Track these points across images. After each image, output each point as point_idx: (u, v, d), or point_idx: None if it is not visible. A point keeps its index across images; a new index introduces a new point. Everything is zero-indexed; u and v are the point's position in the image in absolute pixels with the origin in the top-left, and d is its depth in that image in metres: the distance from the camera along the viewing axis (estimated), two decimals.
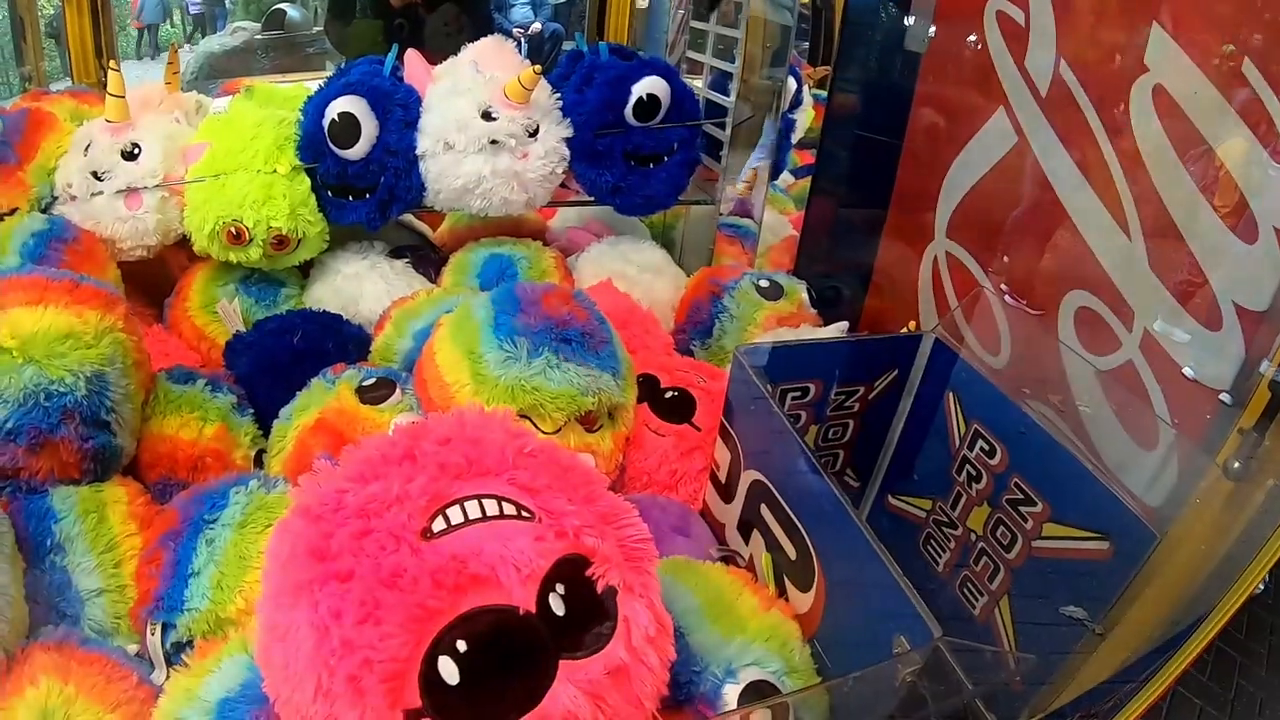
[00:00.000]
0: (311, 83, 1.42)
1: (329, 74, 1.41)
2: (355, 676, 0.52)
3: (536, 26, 3.12)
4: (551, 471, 0.63)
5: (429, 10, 2.42)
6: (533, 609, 0.57)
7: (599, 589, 0.60)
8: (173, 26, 5.67)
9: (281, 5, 3.22)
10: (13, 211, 1.30)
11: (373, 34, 2.45)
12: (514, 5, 3.00)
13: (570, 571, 0.59)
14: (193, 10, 5.26)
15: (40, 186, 1.33)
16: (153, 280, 1.45)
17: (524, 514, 0.60)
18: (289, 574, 0.57)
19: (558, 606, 0.58)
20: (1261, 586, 0.80)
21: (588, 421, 1.05)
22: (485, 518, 0.59)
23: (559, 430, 1.02)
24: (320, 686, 0.53)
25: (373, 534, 0.56)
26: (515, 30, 2.39)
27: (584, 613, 0.59)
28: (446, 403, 1.03)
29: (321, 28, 3.14)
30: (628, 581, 0.61)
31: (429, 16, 2.41)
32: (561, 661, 0.57)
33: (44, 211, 1.33)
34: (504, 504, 0.60)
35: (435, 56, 1.43)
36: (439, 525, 0.58)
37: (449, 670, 0.54)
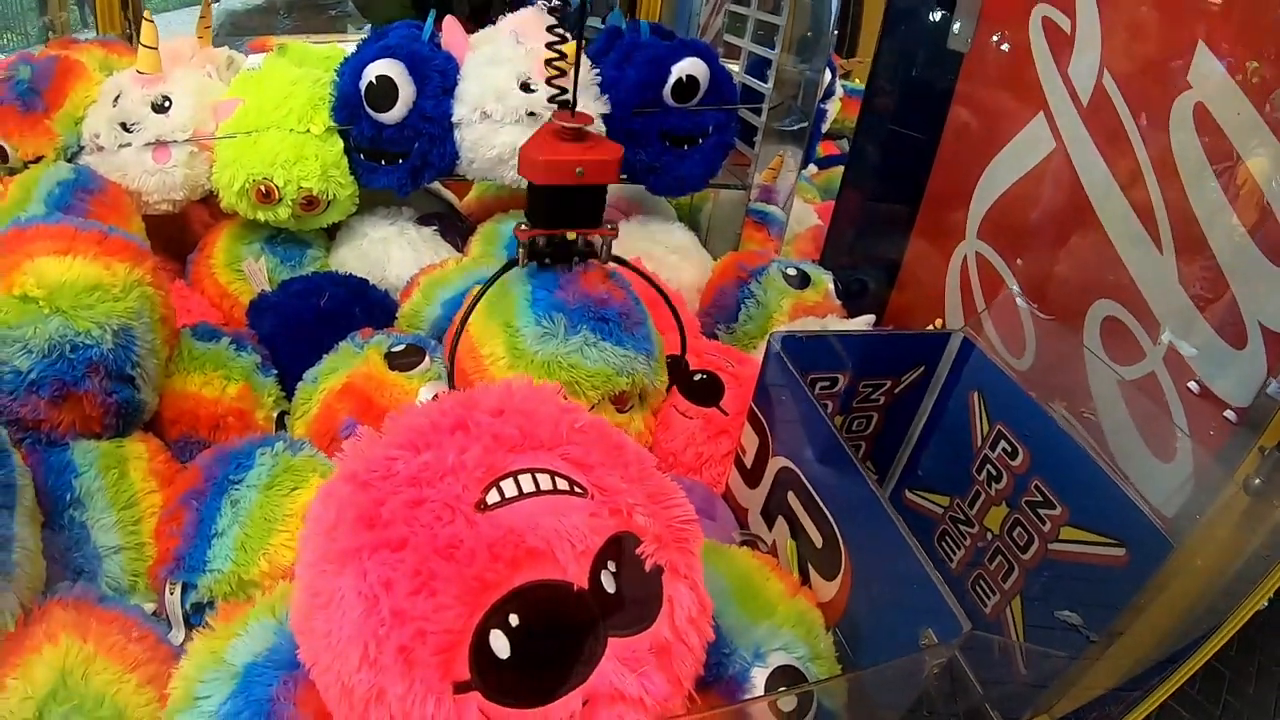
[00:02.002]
0: (343, 44, 1.42)
1: (352, 36, 1.40)
2: (407, 647, 0.52)
3: None
4: (603, 448, 0.63)
5: None
6: (585, 585, 0.57)
7: (647, 567, 0.60)
8: None
9: None
10: (38, 159, 1.30)
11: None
12: None
13: (621, 549, 0.59)
14: None
15: (67, 135, 1.32)
16: (174, 235, 1.45)
17: (576, 489, 0.60)
18: (335, 541, 0.56)
19: (609, 584, 0.58)
20: (1266, 603, 0.81)
21: (620, 401, 1.05)
22: (539, 491, 0.59)
23: (592, 409, 1.02)
24: (367, 656, 0.53)
25: (426, 503, 0.56)
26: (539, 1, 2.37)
27: (633, 591, 0.59)
28: (480, 374, 1.03)
29: None
30: (673, 562, 0.61)
31: None
32: (610, 638, 0.57)
33: (70, 161, 1.32)
34: (557, 479, 0.60)
35: (463, 24, 1.42)
36: (493, 497, 0.57)
37: (500, 644, 0.54)
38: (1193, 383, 0.95)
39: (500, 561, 0.54)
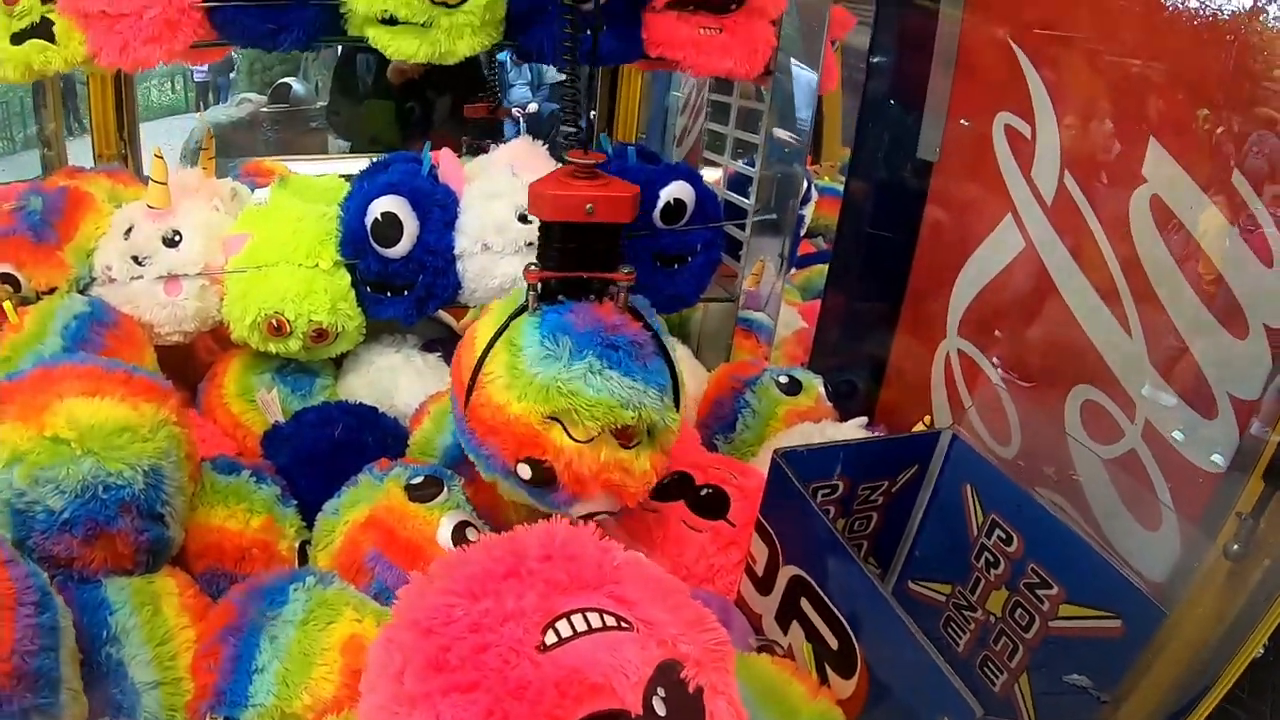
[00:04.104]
0: (333, 164, 1.43)
1: (338, 157, 1.43)
2: None
3: (533, 107, 3.19)
4: (642, 583, 0.68)
5: (438, 94, 2.47)
6: (640, 711, 0.61)
7: (690, 689, 0.65)
8: (174, 93, 5.71)
9: (286, 80, 3.27)
10: (51, 290, 1.31)
11: (385, 117, 2.48)
12: (513, 86, 3.09)
13: (668, 675, 0.64)
14: (197, 78, 5.30)
15: (79, 267, 1.34)
16: (180, 362, 1.46)
17: (623, 624, 0.65)
18: (404, 685, 0.61)
19: (660, 708, 0.62)
20: (1261, 650, 0.86)
21: (624, 436, 1.00)
22: (590, 630, 0.64)
23: (591, 440, 0.98)
24: None
25: (492, 648, 0.60)
26: (515, 110, 2.47)
27: (680, 712, 0.64)
28: (478, 392, 1.01)
29: (325, 103, 3.20)
30: (712, 682, 0.66)
31: (438, 100, 2.46)
32: None
33: (81, 292, 1.34)
34: (605, 616, 0.65)
35: (445, 138, 1.45)
36: (551, 638, 0.62)
37: None
38: (1177, 432, 1.01)
39: (567, 698, 0.59)
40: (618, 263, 1.01)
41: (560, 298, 1.01)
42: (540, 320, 0.98)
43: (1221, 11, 0.95)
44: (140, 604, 0.95)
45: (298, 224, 1.35)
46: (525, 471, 0.98)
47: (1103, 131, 1.09)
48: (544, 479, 0.98)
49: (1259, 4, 0.92)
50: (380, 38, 1.25)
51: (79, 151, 1.95)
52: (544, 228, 0.99)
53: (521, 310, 1.01)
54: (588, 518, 1.00)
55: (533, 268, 0.99)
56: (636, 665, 0.62)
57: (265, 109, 3.30)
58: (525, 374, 0.96)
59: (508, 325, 1.00)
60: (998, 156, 1.21)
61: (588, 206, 0.94)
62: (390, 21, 1.23)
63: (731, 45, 1.37)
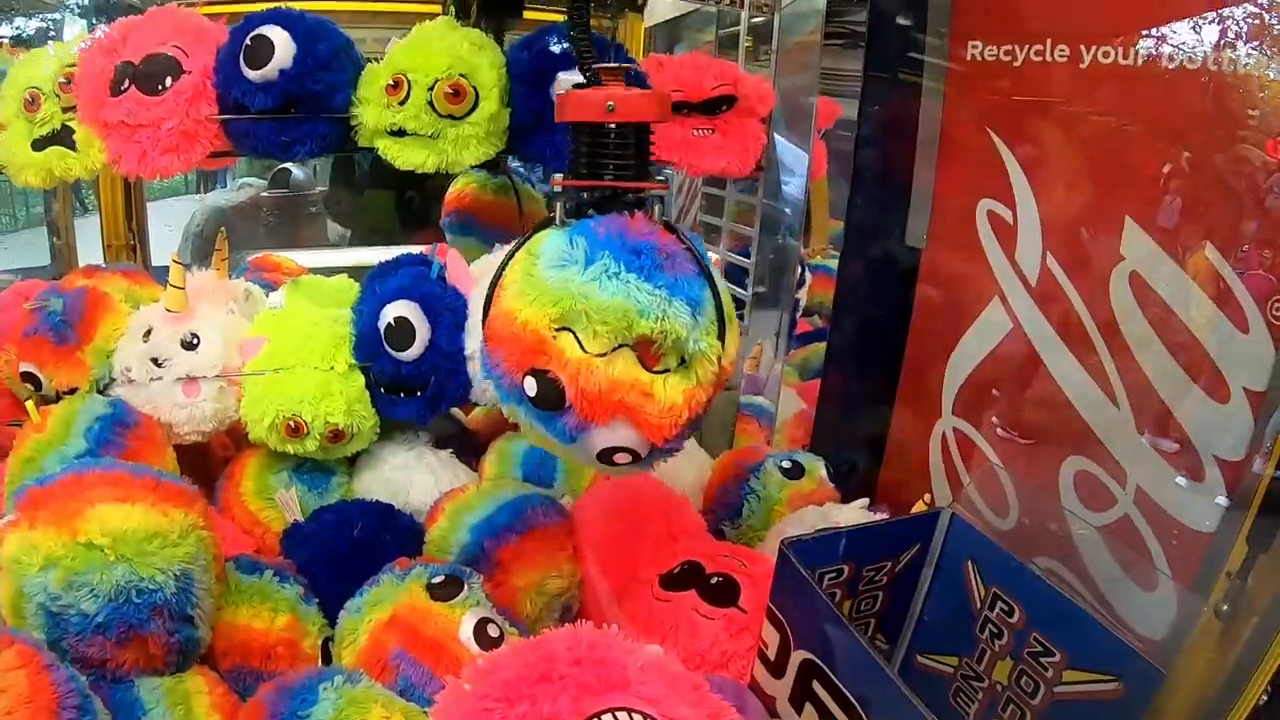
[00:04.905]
0: (338, 254, 1.46)
1: (340, 245, 1.46)
2: None
3: None
4: (666, 682, 0.72)
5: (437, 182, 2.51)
6: None
7: None
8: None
9: (287, 165, 3.31)
10: (71, 390, 1.36)
11: (385, 207, 2.52)
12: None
13: None
14: None
15: (99, 368, 1.38)
16: (195, 459, 1.48)
17: None
18: None
19: None
20: (1265, 698, 0.89)
21: (647, 355, 0.86)
22: None
23: (606, 355, 0.85)
24: None
25: None
26: None
27: None
28: (495, 304, 0.93)
29: (325, 188, 3.26)
30: None
31: (436, 189, 2.50)
32: None
33: (101, 392, 1.38)
34: (634, 715, 0.68)
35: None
36: None
37: None
38: (1168, 496, 1.06)
39: None
40: (648, 174, 0.92)
41: (590, 212, 0.91)
42: (564, 231, 0.89)
43: (1195, 54, 1.00)
44: (173, 704, 0.98)
45: (312, 328, 1.38)
46: (530, 386, 0.87)
47: (1081, 213, 1.15)
48: (550, 396, 0.86)
49: (1226, 39, 0.98)
50: (389, 149, 1.32)
51: (83, 229, 2.00)
52: (571, 137, 0.91)
53: (547, 223, 0.92)
54: (608, 457, 0.90)
55: (559, 176, 0.92)
56: None
57: (265, 194, 3.32)
58: (538, 277, 0.87)
59: (531, 236, 0.92)
60: (982, 240, 1.27)
61: (609, 104, 0.86)
62: (399, 134, 1.30)
63: (725, 145, 1.43)
